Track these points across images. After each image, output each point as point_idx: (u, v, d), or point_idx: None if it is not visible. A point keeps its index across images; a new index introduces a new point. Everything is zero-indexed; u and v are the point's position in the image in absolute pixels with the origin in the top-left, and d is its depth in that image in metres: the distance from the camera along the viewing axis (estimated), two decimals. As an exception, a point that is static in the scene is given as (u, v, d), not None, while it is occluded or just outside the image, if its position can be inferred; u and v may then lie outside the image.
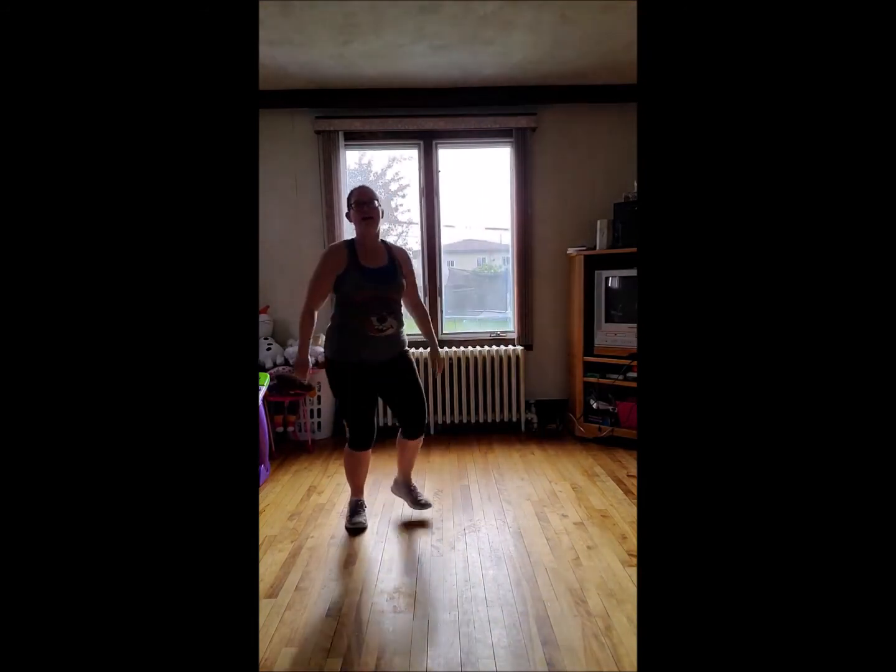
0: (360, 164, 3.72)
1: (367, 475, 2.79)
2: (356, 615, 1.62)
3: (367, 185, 2.16)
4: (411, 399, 2.18)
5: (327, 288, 2.09)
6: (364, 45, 2.71)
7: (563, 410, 3.56)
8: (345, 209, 3.36)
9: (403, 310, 2.20)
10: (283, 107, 3.35)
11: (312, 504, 2.47)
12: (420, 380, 2.23)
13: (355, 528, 2.19)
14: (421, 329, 2.34)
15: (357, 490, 2.31)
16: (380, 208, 2.09)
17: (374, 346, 2.06)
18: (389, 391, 2.20)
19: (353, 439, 2.17)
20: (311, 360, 2.04)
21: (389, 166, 3.73)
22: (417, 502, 2.30)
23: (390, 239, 3.73)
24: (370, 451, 2.23)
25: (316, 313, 2.12)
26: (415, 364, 2.24)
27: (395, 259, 2.14)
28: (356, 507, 2.28)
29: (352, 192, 2.13)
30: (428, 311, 2.35)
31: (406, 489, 2.36)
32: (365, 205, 2.05)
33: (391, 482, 2.67)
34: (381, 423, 3.48)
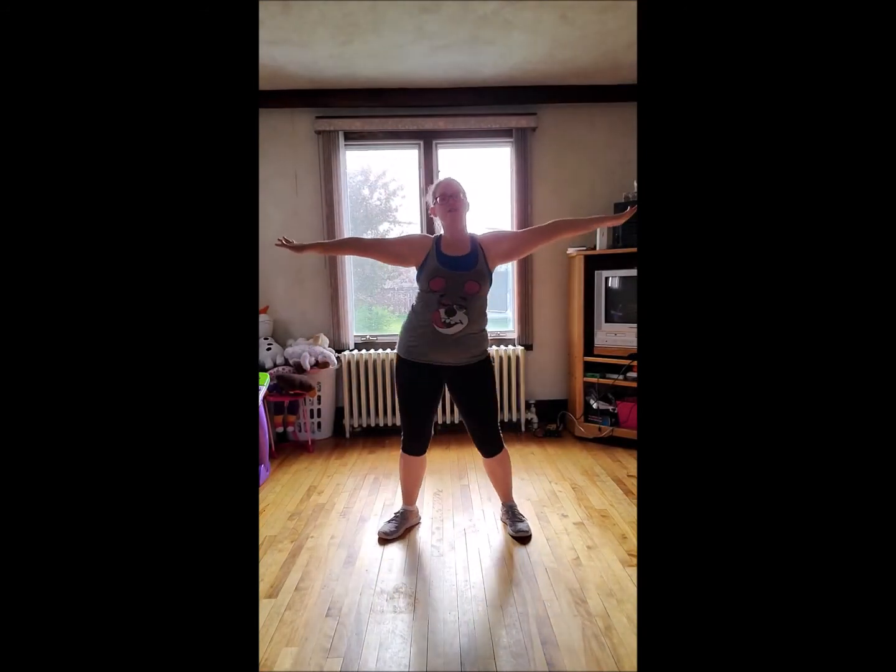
0: (360, 164, 3.71)
1: (370, 473, 2.81)
2: (356, 615, 1.62)
3: (452, 178, 2.02)
4: (476, 416, 2.04)
5: (389, 245, 2.03)
6: (364, 45, 2.71)
7: (563, 410, 3.56)
8: (346, 208, 3.44)
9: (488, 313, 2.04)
10: (283, 107, 3.35)
11: (312, 504, 2.46)
12: (494, 390, 2.07)
13: (379, 538, 2.09)
14: (577, 229, 2.06)
15: (406, 498, 2.19)
16: (466, 200, 2.00)
17: (443, 346, 1.93)
18: (459, 402, 2.07)
19: (404, 442, 2.10)
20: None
21: (390, 166, 3.72)
22: (514, 529, 2.10)
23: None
24: (423, 458, 2.12)
25: (352, 249, 2.14)
26: (493, 374, 2.06)
27: (480, 248, 1.98)
28: (395, 516, 2.18)
29: (437, 185, 2.02)
30: (562, 219, 2.05)
31: (504, 513, 2.19)
32: (451, 197, 1.96)
33: (392, 482, 2.67)
34: (385, 423, 3.49)
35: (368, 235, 3.77)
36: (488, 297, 2.03)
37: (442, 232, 2.03)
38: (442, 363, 1.97)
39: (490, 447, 2.09)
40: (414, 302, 2.03)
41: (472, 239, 2.00)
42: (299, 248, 1.98)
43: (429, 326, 1.93)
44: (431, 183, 3.48)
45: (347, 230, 3.51)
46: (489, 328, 3.35)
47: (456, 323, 1.91)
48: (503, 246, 2.00)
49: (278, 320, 3.55)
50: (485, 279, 1.96)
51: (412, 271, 2.06)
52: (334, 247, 2.15)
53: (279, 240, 1.97)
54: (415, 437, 2.08)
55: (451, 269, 1.93)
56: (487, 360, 2.05)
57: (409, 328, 2.01)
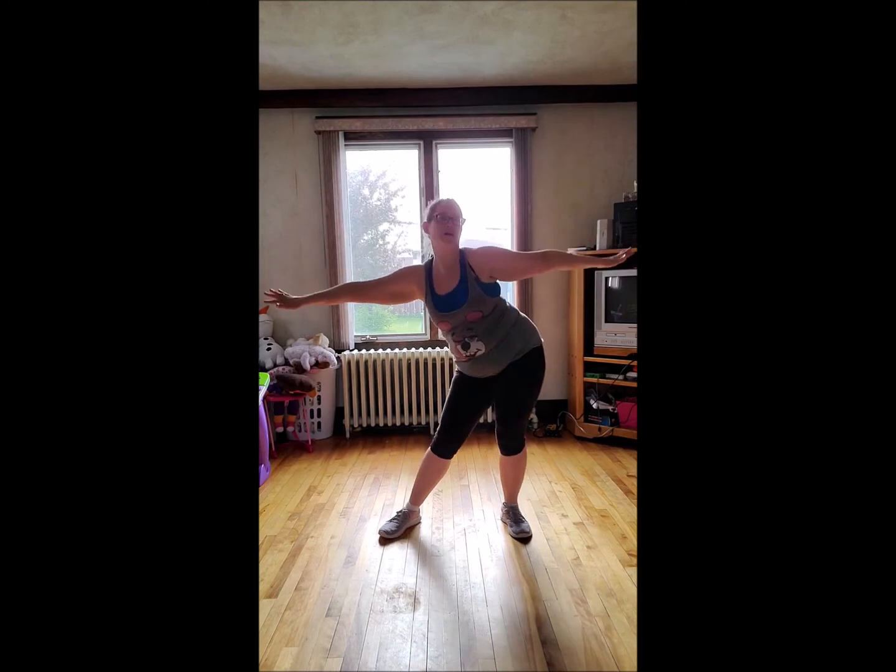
0: (360, 164, 3.71)
1: (370, 473, 2.81)
2: (356, 615, 1.62)
3: (453, 199, 1.95)
4: (504, 410, 2.02)
5: (384, 286, 2.00)
6: (364, 45, 2.71)
7: (563, 410, 3.56)
8: (346, 208, 3.44)
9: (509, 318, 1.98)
10: (283, 107, 3.35)
11: (312, 504, 2.46)
12: (532, 394, 2.00)
13: (380, 537, 2.11)
14: (569, 265, 1.97)
15: (414, 498, 2.19)
16: (462, 226, 1.94)
17: (477, 367, 1.97)
18: (496, 393, 2.04)
19: (436, 440, 2.09)
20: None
21: (390, 166, 3.73)
22: (514, 529, 2.11)
23: (390, 238, 3.79)
24: (447, 461, 2.11)
25: (349, 295, 2.04)
26: (536, 376, 1.99)
27: (468, 271, 1.92)
28: (396, 515, 2.18)
29: (437, 204, 1.93)
30: (557, 251, 1.98)
31: (505, 513, 2.21)
32: (450, 220, 1.88)
33: (392, 482, 2.67)
34: (394, 423, 3.49)
35: (367, 237, 3.77)
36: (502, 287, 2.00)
37: (432, 253, 1.98)
38: (490, 375, 1.99)
39: (509, 445, 2.07)
40: None
41: (462, 262, 1.93)
42: (294, 304, 1.92)
43: (459, 358, 1.99)
44: (432, 183, 3.51)
45: (347, 230, 3.51)
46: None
47: (475, 352, 1.93)
48: (496, 265, 1.93)
49: (278, 320, 3.55)
50: (483, 301, 1.91)
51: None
52: (331, 296, 2.07)
53: (269, 293, 1.89)
54: (449, 438, 2.07)
55: (448, 311, 1.92)
56: (534, 354, 1.97)
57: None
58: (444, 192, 3.57)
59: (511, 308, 2.02)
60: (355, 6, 2.32)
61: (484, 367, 1.97)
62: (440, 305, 1.94)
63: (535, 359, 1.98)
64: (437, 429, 2.10)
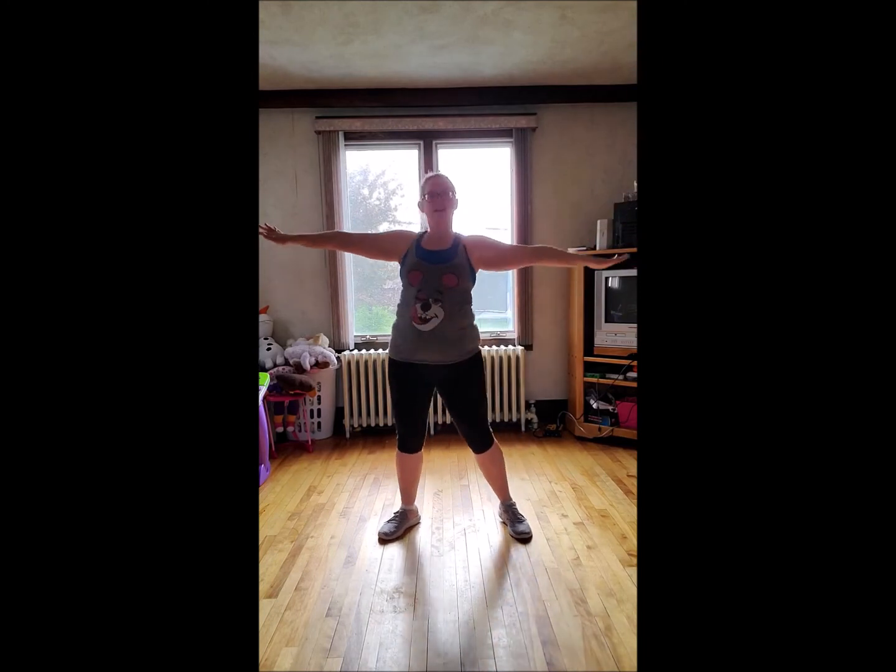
0: (359, 164, 3.71)
1: (370, 473, 2.81)
2: (356, 615, 1.62)
3: (442, 174, 2.01)
4: (463, 414, 2.04)
5: (372, 241, 2.06)
6: (364, 45, 2.71)
7: (563, 410, 3.56)
8: (346, 208, 3.44)
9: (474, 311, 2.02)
10: (283, 107, 3.35)
11: (312, 504, 2.46)
12: (482, 389, 2.05)
13: (379, 538, 2.10)
14: (561, 262, 2.04)
15: (404, 497, 2.21)
16: (454, 198, 1.98)
17: (424, 344, 1.89)
18: (446, 400, 2.06)
19: (399, 440, 2.11)
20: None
21: (389, 165, 3.72)
22: (514, 529, 2.11)
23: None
24: (419, 455, 2.14)
25: (336, 243, 2.12)
26: (481, 373, 2.03)
27: (461, 245, 1.95)
28: (394, 516, 2.20)
29: (426, 182, 1.98)
30: (551, 248, 2.03)
31: (504, 512, 2.20)
32: (438, 196, 1.94)
33: (392, 482, 2.67)
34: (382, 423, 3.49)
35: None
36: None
37: (427, 228, 2.03)
38: (428, 362, 1.94)
39: (478, 444, 2.08)
40: (398, 299, 2.03)
41: (456, 237, 1.99)
42: (282, 240, 1.97)
43: (409, 325, 1.92)
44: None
45: (347, 230, 3.51)
46: (490, 328, 3.29)
47: (432, 317, 1.87)
48: (486, 253, 1.98)
49: (278, 320, 3.55)
50: (464, 273, 1.92)
51: None
52: (320, 239, 2.14)
53: (262, 226, 1.96)
54: (409, 434, 2.09)
55: (428, 263, 1.91)
56: (477, 357, 2.02)
57: (395, 327, 2.02)
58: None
59: (472, 309, 2.04)
60: (355, 6, 2.32)
61: (431, 347, 1.90)
62: (423, 255, 1.93)
63: (478, 361, 2.03)
64: (397, 429, 2.11)
